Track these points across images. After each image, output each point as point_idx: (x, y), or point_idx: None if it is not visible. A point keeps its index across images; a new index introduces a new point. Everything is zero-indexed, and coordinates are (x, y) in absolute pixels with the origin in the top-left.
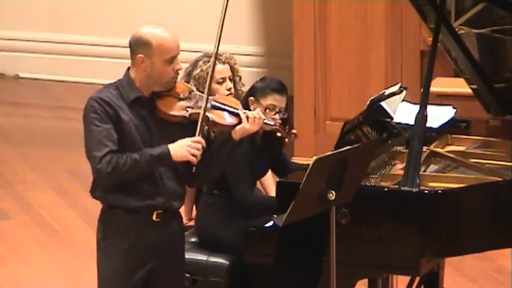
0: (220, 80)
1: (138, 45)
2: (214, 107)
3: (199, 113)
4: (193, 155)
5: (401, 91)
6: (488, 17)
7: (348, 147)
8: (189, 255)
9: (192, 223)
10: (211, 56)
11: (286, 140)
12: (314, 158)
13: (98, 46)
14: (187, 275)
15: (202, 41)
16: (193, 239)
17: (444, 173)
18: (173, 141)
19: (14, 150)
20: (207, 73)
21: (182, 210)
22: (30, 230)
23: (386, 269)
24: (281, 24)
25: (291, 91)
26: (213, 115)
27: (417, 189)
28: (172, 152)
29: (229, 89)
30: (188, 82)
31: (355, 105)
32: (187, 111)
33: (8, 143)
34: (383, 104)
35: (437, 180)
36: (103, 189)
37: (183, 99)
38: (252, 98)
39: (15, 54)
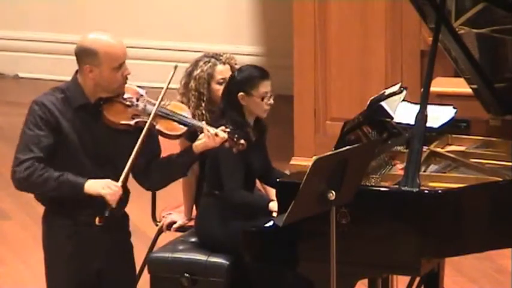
0: (221, 81)
1: (84, 56)
2: (162, 116)
3: (145, 121)
4: (106, 191)
5: (401, 91)
6: (488, 17)
7: (348, 147)
8: (188, 255)
9: (192, 223)
10: (212, 56)
11: (234, 150)
12: (314, 158)
13: None
14: (187, 275)
15: (202, 41)
16: (193, 239)
17: (444, 173)
18: (119, 149)
19: (13, 150)
20: (208, 74)
21: (182, 210)
22: (30, 230)
23: (386, 269)
24: (281, 24)
25: (291, 91)
26: (159, 124)
27: (417, 189)
28: (86, 186)
29: None
30: (188, 82)
31: (355, 105)
32: (133, 118)
33: (7, 143)
34: (383, 104)
35: (437, 180)
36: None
37: (131, 106)
38: (241, 93)
39: (15, 54)
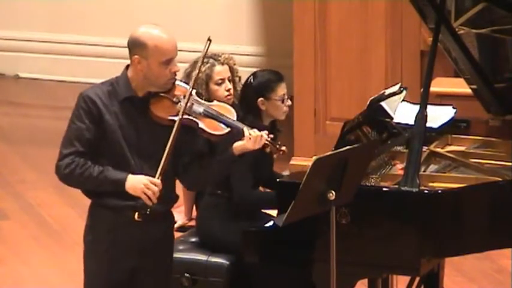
0: (220, 81)
1: (134, 46)
2: (207, 115)
3: (190, 119)
4: (146, 194)
5: (401, 91)
6: (488, 17)
7: (348, 147)
8: (189, 255)
9: (192, 223)
10: (210, 57)
11: (275, 156)
12: (314, 158)
13: (97, 46)
14: (187, 275)
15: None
16: (193, 239)
17: (444, 173)
18: (162, 144)
19: (13, 150)
20: (206, 75)
21: (182, 210)
22: (30, 230)
23: (386, 269)
24: (281, 24)
25: (291, 91)
26: (203, 123)
27: (417, 189)
28: (127, 184)
29: (228, 90)
30: (187, 83)
31: (355, 105)
32: (178, 115)
33: (8, 143)
34: (383, 104)
35: (437, 180)
36: None
37: (178, 103)
38: (261, 99)
39: (15, 54)
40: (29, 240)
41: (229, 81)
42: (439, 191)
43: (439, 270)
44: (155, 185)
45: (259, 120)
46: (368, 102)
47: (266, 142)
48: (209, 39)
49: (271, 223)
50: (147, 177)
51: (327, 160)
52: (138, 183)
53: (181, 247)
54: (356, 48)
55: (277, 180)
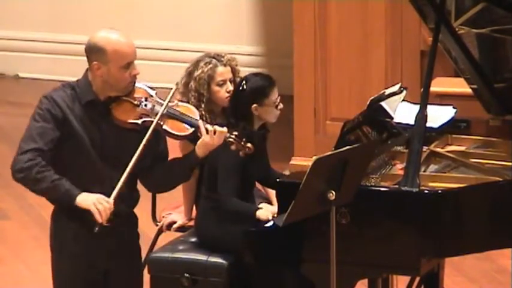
0: (221, 82)
1: (92, 52)
2: (169, 116)
3: (152, 121)
4: (96, 207)
5: (401, 91)
6: (488, 17)
7: (348, 147)
8: (189, 255)
9: (191, 223)
10: (213, 57)
11: (240, 153)
12: (314, 158)
13: None
14: (187, 275)
15: (202, 41)
16: (193, 239)
17: (444, 173)
18: (127, 148)
19: (14, 150)
20: (208, 75)
21: (182, 210)
22: (30, 230)
23: (386, 269)
24: (281, 24)
25: (291, 91)
26: (166, 124)
27: (417, 189)
28: (79, 197)
29: (229, 92)
30: (189, 82)
31: (355, 105)
32: (141, 118)
33: (8, 143)
34: (383, 104)
35: (437, 180)
36: None
37: (139, 105)
38: (254, 105)
39: (15, 54)
40: (29, 240)
41: (230, 82)
42: (439, 191)
43: (439, 270)
44: (107, 203)
45: (251, 126)
46: (368, 102)
47: (230, 139)
48: (177, 84)
49: (271, 223)
50: (100, 196)
51: (327, 160)
52: (90, 196)
53: (181, 247)
54: (356, 48)
55: (277, 180)
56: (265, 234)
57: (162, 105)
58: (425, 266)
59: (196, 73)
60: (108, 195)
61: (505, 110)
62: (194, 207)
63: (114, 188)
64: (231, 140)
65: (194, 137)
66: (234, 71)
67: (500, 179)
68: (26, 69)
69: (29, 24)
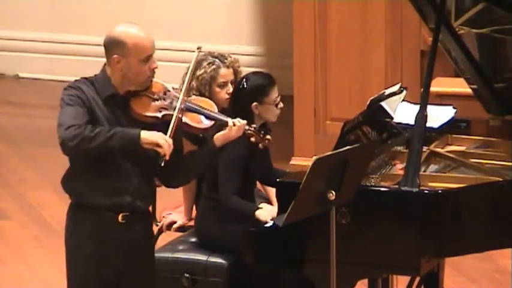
0: (222, 84)
1: (112, 46)
2: (189, 109)
3: (172, 114)
4: (164, 139)
5: (401, 91)
6: (488, 17)
7: (348, 147)
8: (189, 255)
9: (191, 223)
10: (216, 57)
11: (260, 145)
12: (314, 158)
13: (98, 46)
14: (187, 275)
15: (202, 41)
16: (193, 239)
17: (444, 173)
18: None
19: (14, 150)
20: (211, 76)
21: (182, 210)
22: (30, 230)
23: (386, 269)
24: (281, 24)
25: (291, 91)
26: (186, 118)
27: (417, 189)
28: (143, 133)
29: (229, 93)
30: (191, 81)
31: (355, 105)
32: (160, 111)
33: (8, 143)
34: (383, 104)
35: (437, 180)
36: (72, 182)
37: (158, 100)
38: (255, 103)
39: (15, 54)
40: (29, 240)
41: (231, 84)
42: (439, 191)
43: (439, 270)
44: (169, 139)
45: (251, 123)
46: (368, 102)
47: (249, 132)
48: (198, 48)
49: (271, 223)
50: (161, 133)
51: (327, 160)
52: (154, 132)
53: (181, 247)
54: (356, 48)
55: (277, 180)
56: (265, 234)
57: (179, 99)
58: (425, 266)
59: (199, 73)
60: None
61: (505, 110)
62: (194, 207)
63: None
64: (250, 132)
65: (193, 136)
66: (236, 73)
67: (500, 179)
68: (26, 69)
69: (29, 24)
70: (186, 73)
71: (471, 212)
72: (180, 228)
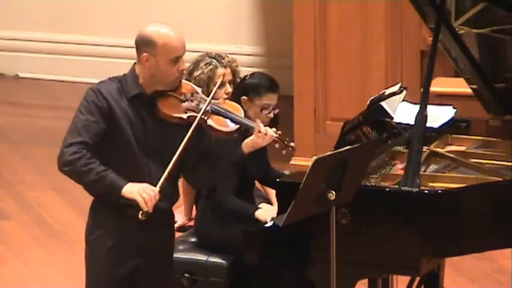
0: (220, 84)
1: (143, 44)
2: (214, 112)
3: (197, 116)
4: (141, 196)
5: (401, 91)
6: (488, 17)
7: (348, 147)
8: (189, 255)
9: (191, 223)
10: (213, 57)
11: (284, 152)
12: (314, 158)
13: (98, 46)
14: (187, 275)
15: (202, 41)
16: (193, 239)
17: (444, 173)
18: (170, 142)
19: (14, 150)
20: (208, 76)
21: (182, 210)
22: (30, 230)
23: (387, 269)
24: (281, 24)
25: (291, 91)
26: (211, 120)
27: (417, 189)
28: (125, 187)
29: (227, 93)
30: (189, 81)
31: (355, 105)
32: (186, 113)
33: (8, 143)
34: (383, 104)
35: (437, 180)
36: None
37: (185, 101)
38: (244, 97)
39: (15, 54)
40: (29, 240)
41: (230, 84)
42: (439, 191)
43: (439, 270)
44: (152, 191)
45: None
46: (368, 102)
47: (275, 138)
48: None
49: (271, 223)
50: (145, 185)
51: (327, 160)
52: (135, 186)
53: (181, 247)
54: (356, 48)
55: (277, 180)
56: (265, 234)
57: (205, 102)
58: (425, 266)
59: (196, 73)
60: None
61: (505, 110)
62: (194, 207)
63: (152, 182)
64: (275, 138)
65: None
66: (234, 73)
67: (500, 179)
68: (26, 69)
69: (29, 24)
70: None
71: (471, 212)
72: (180, 228)
